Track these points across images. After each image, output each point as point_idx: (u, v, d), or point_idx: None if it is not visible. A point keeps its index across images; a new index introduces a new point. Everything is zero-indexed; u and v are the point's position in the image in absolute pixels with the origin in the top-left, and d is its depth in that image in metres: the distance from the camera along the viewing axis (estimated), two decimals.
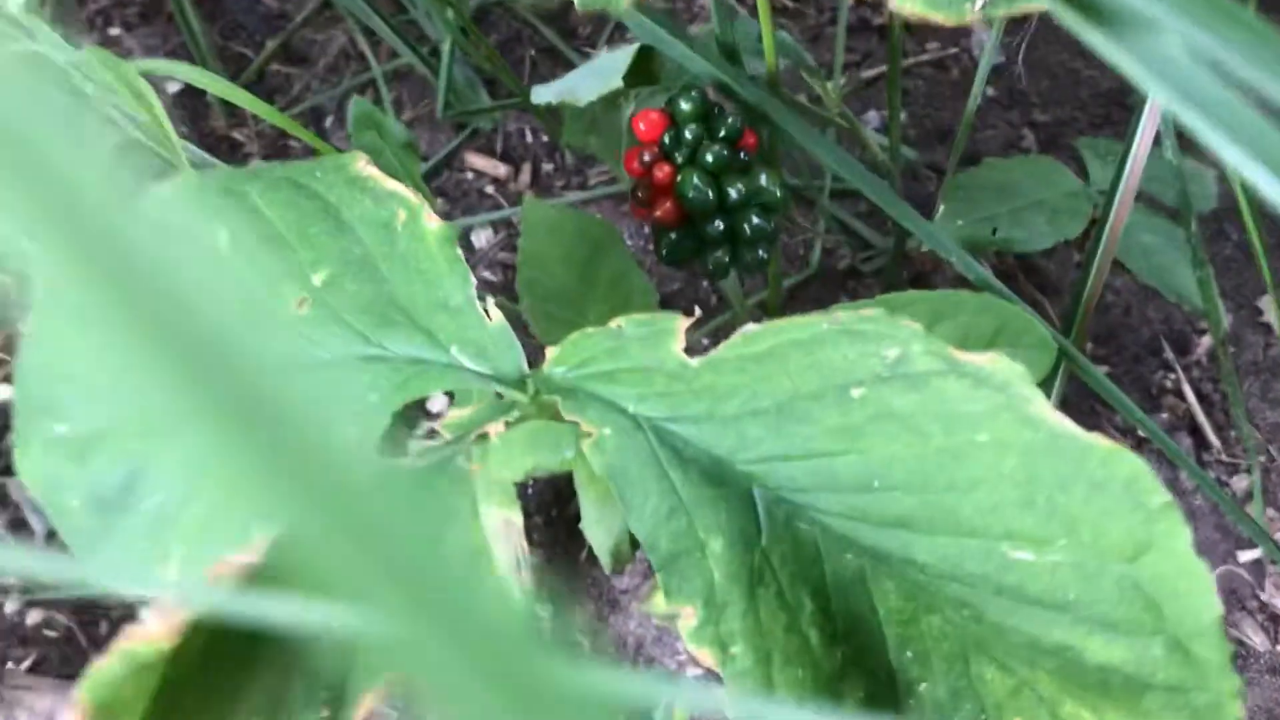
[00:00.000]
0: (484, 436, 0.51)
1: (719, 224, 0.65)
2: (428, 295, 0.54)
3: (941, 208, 0.76)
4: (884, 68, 1.13)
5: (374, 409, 0.53)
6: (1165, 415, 0.95)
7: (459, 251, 0.55)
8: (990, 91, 1.11)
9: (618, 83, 0.84)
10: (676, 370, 0.51)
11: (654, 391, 0.50)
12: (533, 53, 1.19)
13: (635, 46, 0.85)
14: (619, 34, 1.20)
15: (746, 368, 0.50)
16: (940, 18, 0.60)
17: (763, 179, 0.67)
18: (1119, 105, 1.09)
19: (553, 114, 1.08)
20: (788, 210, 0.80)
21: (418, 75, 1.17)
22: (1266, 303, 0.99)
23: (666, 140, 0.66)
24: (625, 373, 0.51)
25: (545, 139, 1.14)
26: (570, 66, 1.18)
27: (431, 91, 1.16)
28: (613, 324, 0.53)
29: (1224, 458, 0.94)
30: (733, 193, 0.65)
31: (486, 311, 0.53)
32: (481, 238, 1.08)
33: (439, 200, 1.11)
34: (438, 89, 1.04)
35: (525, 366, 0.53)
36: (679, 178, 0.65)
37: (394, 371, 0.54)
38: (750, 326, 0.52)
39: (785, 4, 1.19)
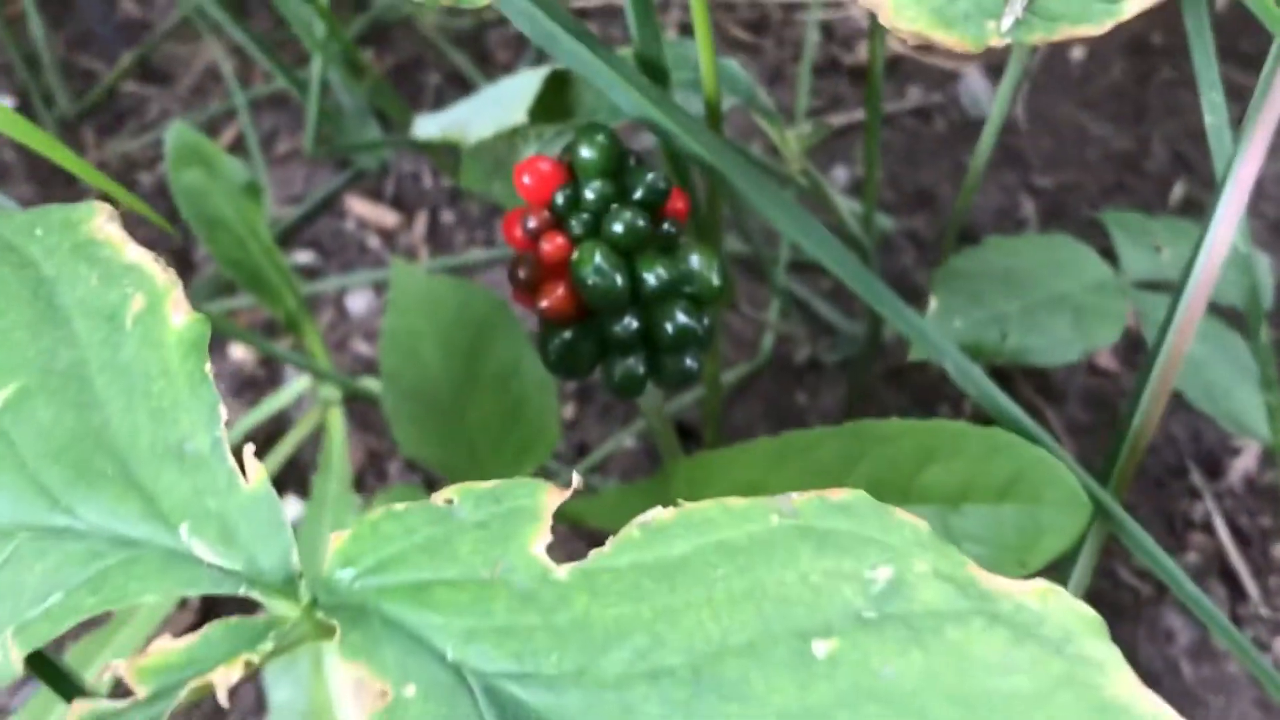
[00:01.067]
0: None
1: (630, 322, 0.46)
2: (155, 434, 0.35)
3: (934, 301, 0.57)
4: (856, 115, 0.94)
5: (51, 617, 0.33)
6: (1193, 556, 0.77)
7: (208, 367, 0.35)
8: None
9: (520, 117, 0.65)
10: (531, 587, 0.31)
11: (491, 625, 0.31)
12: (438, 79, 0.99)
13: (544, 71, 0.66)
14: (547, 60, 1.00)
15: (645, 589, 0.31)
16: (951, 40, 0.41)
17: (694, 261, 0.47)
18: (1133, 170, 0.91)
19: (451, 153, 0.89)
20: (730, 301, 0.60)
21: (298, 103, 0.98)
22: None
23: (560, 201, 0.47)
24: (448, 588, 0.31)
25: (446, 183, 0.94)
26: None
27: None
28: (440, 496, 0.33)
29: (1264, 612, 0.76)
30: (651, 279, 0.45)
31: (242, 466, 0.34)
32: (359, 302, 0.88)
33: (309, 253, 0.90)
34: (307, 118, 0.85)
35: (296, 561, 0.33)
36: (576, 255, 0.45)
37: (88, 557, 0.34)
38: (655, 514, 0.32)
39: (737, 35, 1.00)
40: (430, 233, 0.92)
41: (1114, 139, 0.93)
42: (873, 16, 0.64)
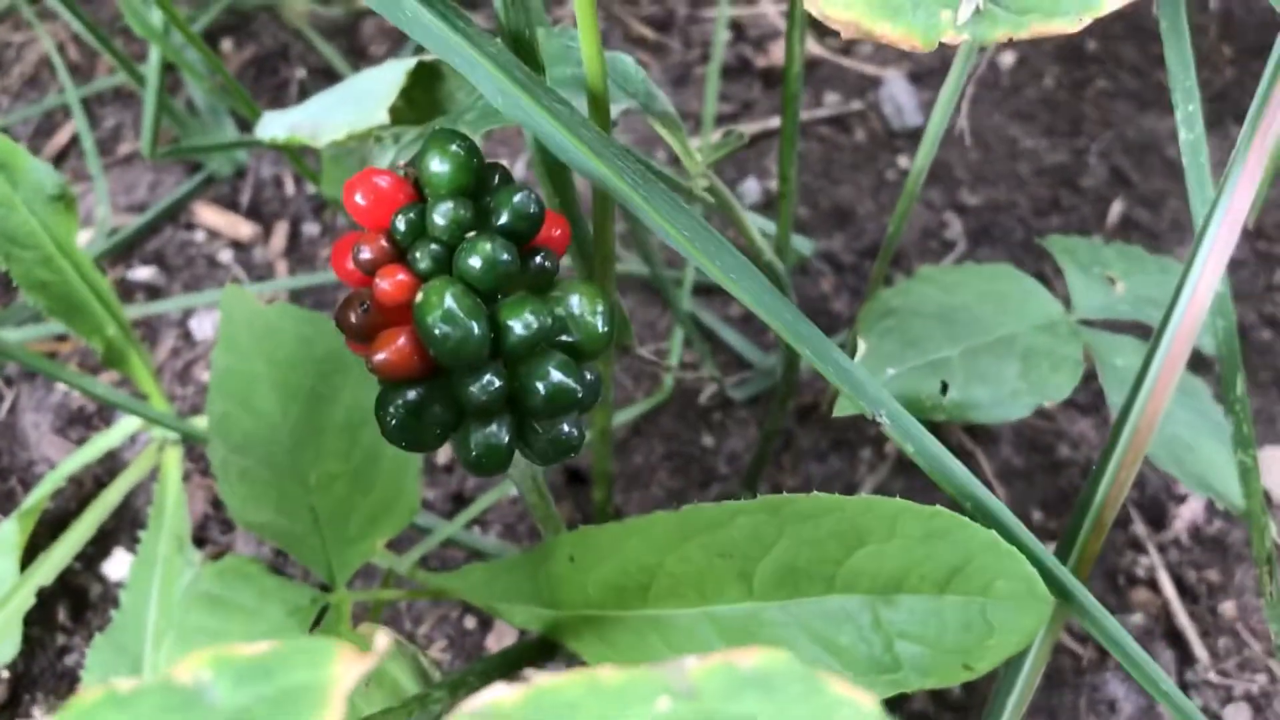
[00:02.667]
0: None
1: (491, 381, 0.36)
2: None
3: (862, 345, 0.48)
4: (770, 123, 0.86)
5: None
6: (1138, 616, 0.69)
7: None
8: (903, 162, 0.85)
9: (380, 115, 0.55)
10: None
11: None
12: (303, 74, 0.89)
13: (410, 62, 0.57)
14: (424, 54, 0.90)
15: None
16: (896, 33, 0.33)
17: (574, 303, 0.38)
18: (1069, 187, 0.84)
19: (315, 156, 0.79)
20: (624, 345, 0.51)
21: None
22: (1267, 458, 0.74)
23: (402, 226, 0.37)
24: None
25: (311, 190, 0.84)
26: None
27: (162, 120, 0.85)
28: (183, 669, 0.23)
29: (1213, 677, 0.68)
30: (517, 327, 0.36)
31: None
32: (207, 324, 0.77)
33: (150, 269, 0.79)
34: (143, 115, 0.73)
35: None
36: (420, 296, 0.35)
37: None
38: (494, 698, 0.23)
39: (640, 32, 0.91)
40: (290, 246, 0.81)
41: (1047, 153, 0.86)
42: (790, 11, 0.55)
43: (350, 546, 0.52)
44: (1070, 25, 0.35)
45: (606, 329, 0.38)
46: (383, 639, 0.24)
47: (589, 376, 0.38)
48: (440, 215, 0.36)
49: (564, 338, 0.37)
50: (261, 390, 0.54)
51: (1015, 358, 0.50)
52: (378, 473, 0.53)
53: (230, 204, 0.82)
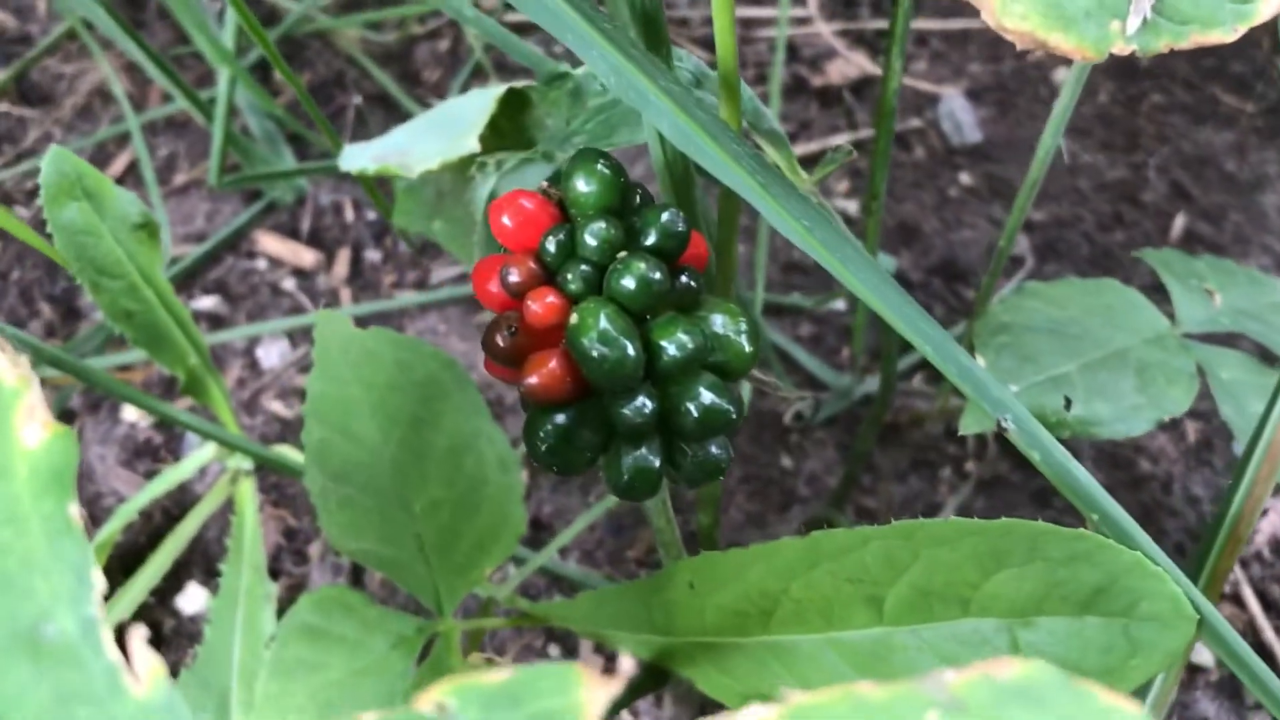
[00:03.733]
0: None
1: (644, 403, 0.36)
2: None
3: (981, 361, 0.48)
4: (827, 141, 0.86)
5: None
6: None
7: (73, 510, 0.24)
8: (965, 179, 0.85)
9: (472, 144, 0.55)
10: None
11: None
12: (359, 100, 0.88)
13: (498, 90, 0.56)
14: (479, 82, 0.90)
15: None
16: (1069, 44, 0.32)
17: (718, 322, 0.37)
18: (1130, 201, 0.83)
19: (381, 184, 0.79)
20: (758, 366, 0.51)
21: (199, 126, 0.86)
22: None
23: (552, 248, 0.36)
24: None
25: (372, 216, 0.83)
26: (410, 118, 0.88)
27: None
28: (429, 698, 0.22)
29: None
30: (671, 348, 0.35)
31: (128, 657, 0.23)
32: (273, 353, 0.76)
33: (214, 298, 0.79)
34: (212, 143, 0.73)
35: None
36: (575, 318, 0.35)
37: None
38: (753, 714, 0.22)
39: (694, 53, 0.91)
40: (353, 273, 0.81)
41: (1106, 168, 0.85)
42: (890, 29, 0.55)
43: (458, 574, 0.51)
44: (1227, 35, 0.34)
45: (752, 349, 0.38)
46: (627, 662, 0.23)
47: (736, 401, 0.37)
48: (591, 235, 0.36)
49: (713, 359, 0.37)
50: (360, 416, 0.54)
51: (1131, 372, 0.49)
52: (482, 499, 0.52)
53: (291, 232, 0.82)
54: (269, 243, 0.81)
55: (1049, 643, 0.42)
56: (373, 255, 0.82)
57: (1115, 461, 0.72)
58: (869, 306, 0.39)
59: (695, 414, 0.36)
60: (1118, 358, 0.50)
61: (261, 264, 0.80)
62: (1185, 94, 0.90)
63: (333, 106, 0.88)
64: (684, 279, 0.37)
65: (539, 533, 0.68)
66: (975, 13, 0.32)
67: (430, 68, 0.91)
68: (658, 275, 0.35)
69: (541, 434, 0.36)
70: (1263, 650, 0.69)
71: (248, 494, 0.68)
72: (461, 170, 0.54)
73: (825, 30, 0.91)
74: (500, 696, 0.22)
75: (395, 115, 0.87)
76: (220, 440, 0.61)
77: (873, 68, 0.89)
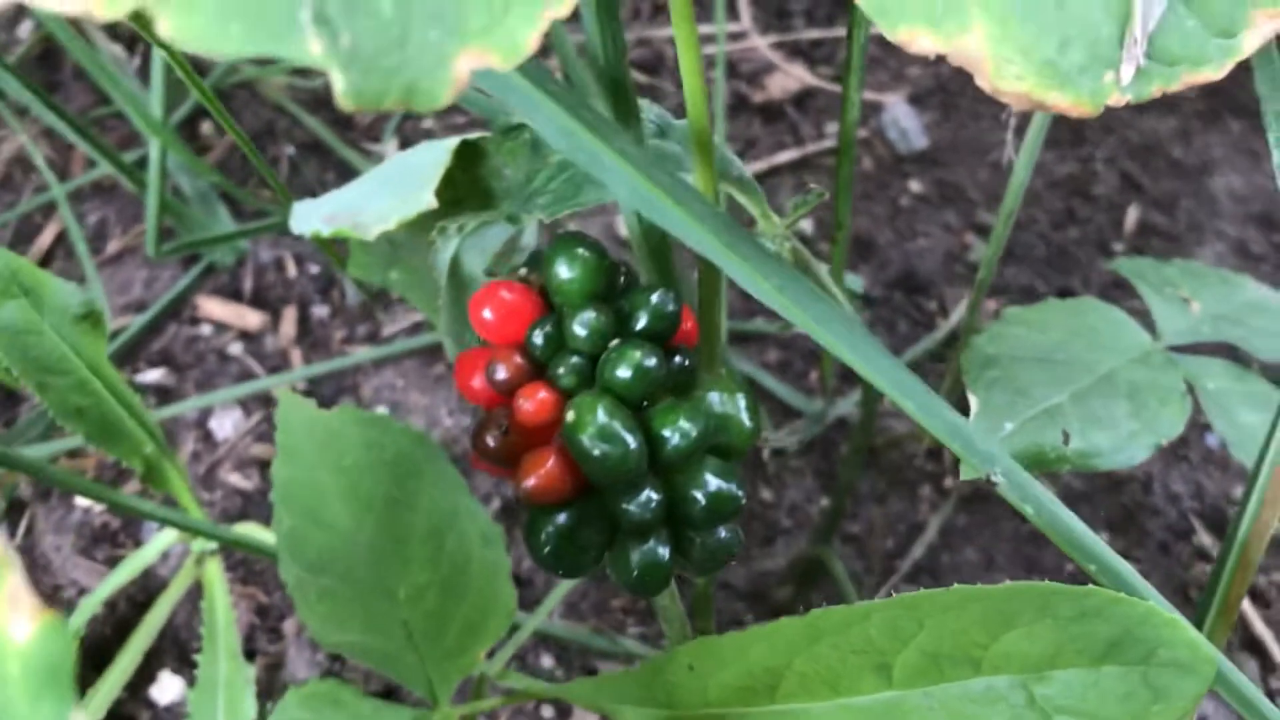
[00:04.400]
0: None
1: (649, 497, 0.34)
2: None
3: (974, 401, 0.46)
4: (774, 159, 0.84)
5: None
6: None
7: (79, 718, 0.22)
8: (915, 187, 0.84)
9: (428, 199, 0.52)
10: None
11: None
12: (291, 150, 0.85)
13: (450, 142, 0.54)
14: (411, 123, 0.88)
15: None
16: (1065, 102, 0.31)
17: (715, 400, 0.36)
18: (1082, 196, 0.83)
19: (339, 240, 0.76)
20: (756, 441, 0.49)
21: (128, 190, 0.83)
22: None
23: (539, 341, 0.35)
24: None
25: (315, 270, 0.81)
26: (347, 169, 0.85)
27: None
28: None
29: None
30: (673, 437, 0.34)
31: None
32: (227, 423, 0.74)
33: (159, 370, 0.76)
34: (146, 209, 0.70)
35: None
36: (571, 416, 0.33)
37: None
38: None
39: (634, 78, 0.89)
40: (301, 332, 0.78)
41: (1054, 164, 0.85)
42: (846, 62, 0.53)
43: (450, 660, 0.49)
44: (1216, 72, 0.33)
45: (752, 424, 0.36)
46: None
47: (740, 482, 0.35)
48: (581, 326, 0.34)
49: (715, 441, 0.35)
50: (330, 502, 0.51)
51: (1122, 396, 0.48)
52: (468, 578, 0.50)
53: (233, 294, 0.79)
54: (212, 307, 0.78)
55: (1066, 695, 0.41)
56: (320, 311, 0.79)
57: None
58: (854, 365, 0.38)
59: (703, 502, 0.34)
60: (1106, 382, 0.49)
61: (206, 330, 0.78)
62: None
63: (265, 158, 0.85)
64: (678, 360, 0.35)
65: (522, 589, 0.66)
66: None
67: (364, 112, 0.88)
68: (653, 362, 0.34)
69: (543, 536, 0.34)
70: (1254, 642, 0.68)
71: (216, 576, 0.65)
72: (420, 230, 0.52)
73: (761, 44, 0.89)
74: None
75: (330, 162, 0.85)
76: (183, 527, 0.59)
77: (813, 79, 0.88)
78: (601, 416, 0.33)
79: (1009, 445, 0.45)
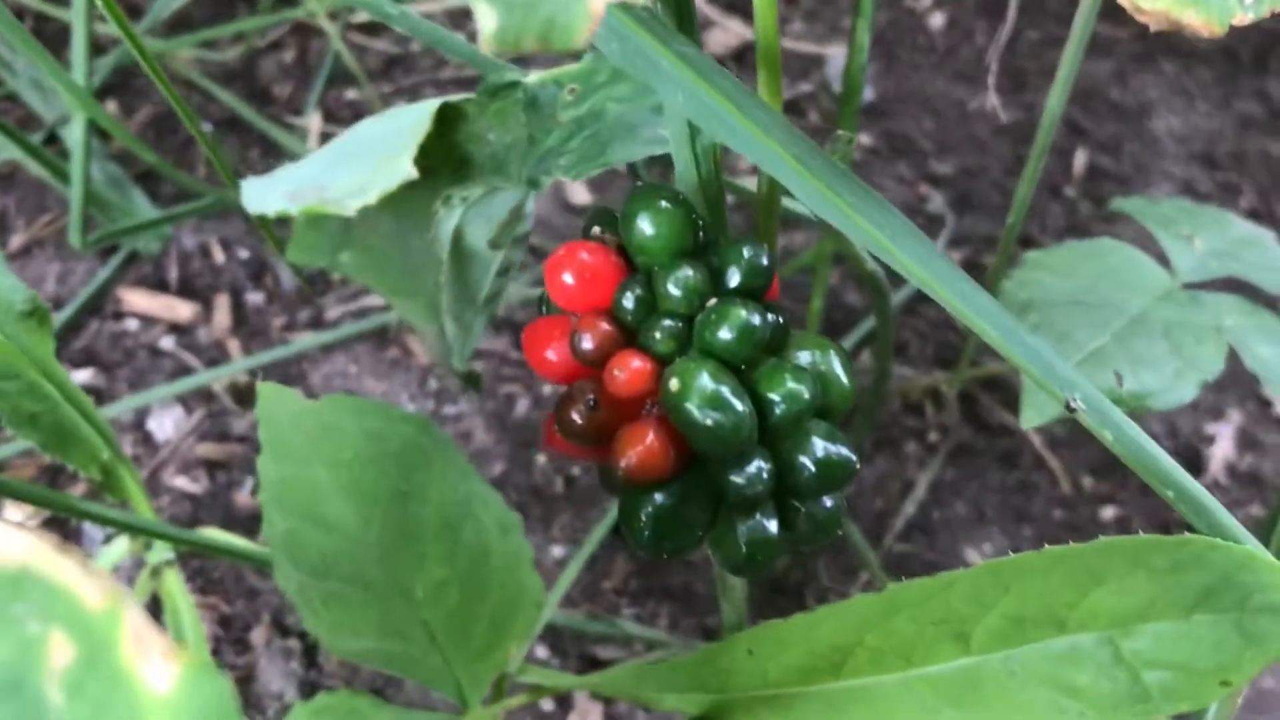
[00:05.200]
0: None
1: (759, 468, 0.31)
2: None
3: None
4: None
5: None
6: None
7: None
8: (865, 139, 0.82)
9: (407, 169, 0.48)
10: None
11: None
12: (208, 127, 0.80)
13: (426, 105, 0.50)
14: (335, 93, 0.83)
15: None
16: (1199, 20, 0.29)
17: (806, 359, 0.33)
18: (1029, 143, 0.82)
19: (281, 223, 0.71)
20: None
21: (29, 177, 0.76)
22: None
23: (630, 305, 0.31)
24: None
25: (244, 254, 0.75)
26: (267, 144, 0.80)
27: (54, 199, 0.75)
28: None
29: None
30: (782, 400, 0.31)
31: None
32: (167, 423, 0.68)
33: (87, 370, 0.70)
34: (70, 199, 0.64)
35: None
36: (675, 384, 0.30)
37: None
38: None
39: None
40: (236, 321, 0.73)
41: (996, 114, 0.84)
42: (852, 29, 0.51)
43: (479, 659, 0.45)
44: None
45: (850, 382, 0.33)
46: None
47: (848, 444, 0.33)
48: (675, 285, 0.31)
49: (820, 403, 0.33)
50: (331, 500, 0.47)
51: (1159, 335, 0.47)
52: (489, 571, 0.47)
53: (159, 284, 0.73)
54: (137, 299, 0.72)
55: (1155, 648, 0.39)
56: (254, 298, 0.74)
57: None
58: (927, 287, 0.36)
59: (813, 469, 0.32)
60: (1142, 323, 0.48)
61: (133, 324, 0.72)
62: (1058, 28, 0.89)
63: (180, 137, 0.79)
64: (771, 317, 0.32)
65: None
66: None
67: (279, 82, 0.83)
68: (757, 320, 0.31)
69: (643, 518, 0.31)
70: None
71: (177, 587, 0.60)
72: (411, 203, 0.48)
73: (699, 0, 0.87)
74: None
75: (250, 138, 0.79)
76: (151, 533, 0.54)
77: (751, 34, 0.85)
78: (708, 382, 0.30)
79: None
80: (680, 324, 0.31)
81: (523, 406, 0.69)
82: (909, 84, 0.85)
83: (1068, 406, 0.35)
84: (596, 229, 0.33)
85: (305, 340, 0.71)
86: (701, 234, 0.33)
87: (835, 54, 0.85)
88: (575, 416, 0.31)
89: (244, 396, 0.70)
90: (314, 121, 0.80)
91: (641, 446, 0.30)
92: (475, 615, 0.46)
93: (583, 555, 0.62)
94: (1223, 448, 0.73)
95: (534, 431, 0.69)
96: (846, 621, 0.39)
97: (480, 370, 0.70)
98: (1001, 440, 0.69)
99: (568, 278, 0.31)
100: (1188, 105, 0.86)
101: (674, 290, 0.31)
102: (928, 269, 0.34)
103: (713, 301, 0.31)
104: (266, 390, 0.49)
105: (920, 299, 0.74)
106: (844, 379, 0.33)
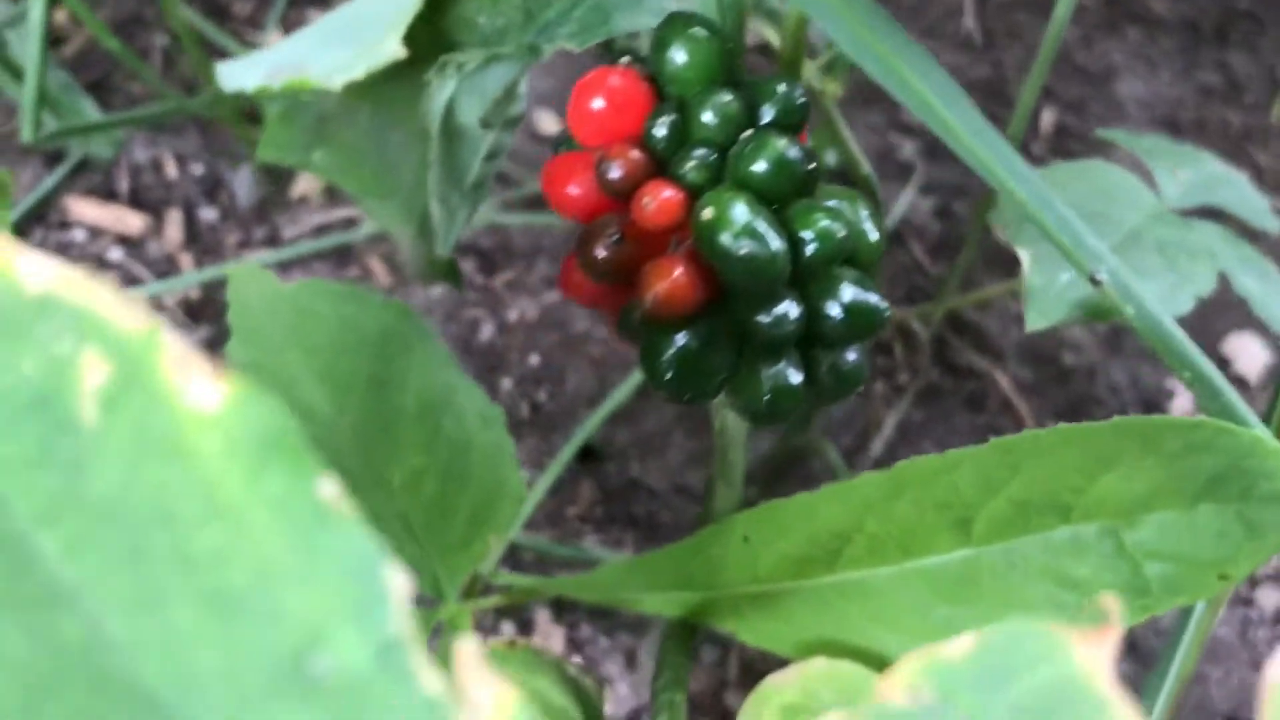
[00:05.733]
0: None
1: (788, 308, 0.30)
2: (228, 645, 0.16)
3: (1024, 254, 0.44)
4: None
5: None
6: None
7: (329, 489, 0.17)
8: (833, 86, 0.81)
9: (394, 48, 0.46)
10: None
11: None
12: (164, 40, 0.77)
13: None
14: (297, 13, 0.80)
15: None
16: None
17: (838, 204, 0.32)
18: (999, 99, 0.83)
19: (245, 114, 0.69)
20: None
21: None
22: (1237, 346, 0.75)
23: (663, 132, 0.30)
24: None
25: (199, 170, 0.73)
26: (225, 56, 0.77)
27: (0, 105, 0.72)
28: (891, 689, 0.16)
29: None
30: (815, 239, 0.30)
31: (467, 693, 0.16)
32: None
33: None
34: (23, 99, 0.61)
35: None
36: (709, 213, 0.29)
37: None
38: None
39: None
40: (189, 236, 0.70)
41: (968, 67, 0.84)
42: None
43: (457, 552, 0.44)
44: None
45: (878, 236, 0.32)
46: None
47: (880, 296, 0.32)
48: (711, 113, 0.30)
49: (850, 250, 0.31)
50: (304, 386, 0.45)
51: (1153, 250, 0.47)
52: (469, 464, 0.45)
53: (108, 194, 0.70)
54: (84, 209, 0.70)
55: (1157, 540, 0.39)
56: (208, 214, 0.71)
57: (1039, 356, 0.71)
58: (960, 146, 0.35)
59: (842, 314, 0.31)
60: (1137, 237, 0.47)
61: (79, 235, 0.69)
62: None
63: (135, 47, 0.76)
64: (805, 158, 0.31)
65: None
66: None
67: (240, 0, 0.80)
68: (795, 154, 0.30)
69: (666, 358, 0.30)
70: None
71: None
72: (357, 89, 0.46)
73: None
74: (983, 671, 0.17)
75: (211, 53, 0.77)
76: None
77: None
78: (744, 212, 0.29)
79: (1068, 294, 0.43)
80: (714, 155, 0.30)
81: (487, 332, 0.68)
82: None
83: (1093, 279, 0.34)
84: (625, 59, 0.31)
85: (262, 257, 0.69)
86: (733, 71, 0.32)
87: None
88: (601, 250, 0.30)
89: (195, 311, 0.67)
90: (274, 39, 0.78)
91: (670, 280, 0.29)
92: (454, 506, 0.44)
93: (548, 478, 0.60)
94: (1182, 404, 0.73)
95: (499, 357, 0.67)
96: (850, 502, 0.38)
97: (446, 290, 0.68)
98: (969, 383, 0.69)
99: (597, 102, 0.30)
100: (1151, 72, 0.86)
101: (710, 118, 0.30)
102: (967, 126, 0.33)
103: (748, 133, 0.30)
104: (238, 273, 0.47)
105: (891, 241, 0.73)
106: (872, 231, 0.32)
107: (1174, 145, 0.59)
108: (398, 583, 0.16)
